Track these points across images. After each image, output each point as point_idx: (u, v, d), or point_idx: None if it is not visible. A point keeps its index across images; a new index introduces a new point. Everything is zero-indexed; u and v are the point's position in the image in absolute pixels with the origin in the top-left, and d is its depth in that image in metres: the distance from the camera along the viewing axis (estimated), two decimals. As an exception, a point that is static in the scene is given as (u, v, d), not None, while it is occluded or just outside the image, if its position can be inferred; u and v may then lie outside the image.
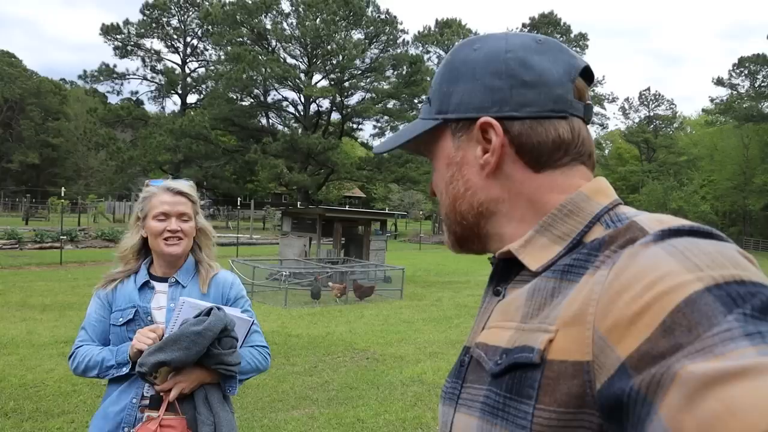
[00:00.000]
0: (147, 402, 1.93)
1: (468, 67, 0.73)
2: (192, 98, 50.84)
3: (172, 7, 48.03)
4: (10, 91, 55.82)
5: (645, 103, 58.98)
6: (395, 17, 43.81)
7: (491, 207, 0.73)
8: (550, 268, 0.65)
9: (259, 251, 21.91)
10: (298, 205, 27.94)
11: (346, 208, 22.11)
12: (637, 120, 59.26)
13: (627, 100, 60.70)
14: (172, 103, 58.06)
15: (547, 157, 0.70)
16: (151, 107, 53.25)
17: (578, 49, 56.59)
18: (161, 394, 1.89)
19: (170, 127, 40.21)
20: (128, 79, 48.75)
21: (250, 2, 41.60)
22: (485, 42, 0.74)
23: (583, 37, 56.20)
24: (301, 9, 41.76)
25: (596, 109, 57.13)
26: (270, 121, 47.10)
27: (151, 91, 50.78)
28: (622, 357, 0.49)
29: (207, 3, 46.61)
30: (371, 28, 43.09)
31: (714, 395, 0.39)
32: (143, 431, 1.84)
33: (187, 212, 2.08)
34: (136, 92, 50.63)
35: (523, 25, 56.57)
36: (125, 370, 1.94)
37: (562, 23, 55.72)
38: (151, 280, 2.10)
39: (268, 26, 42.55)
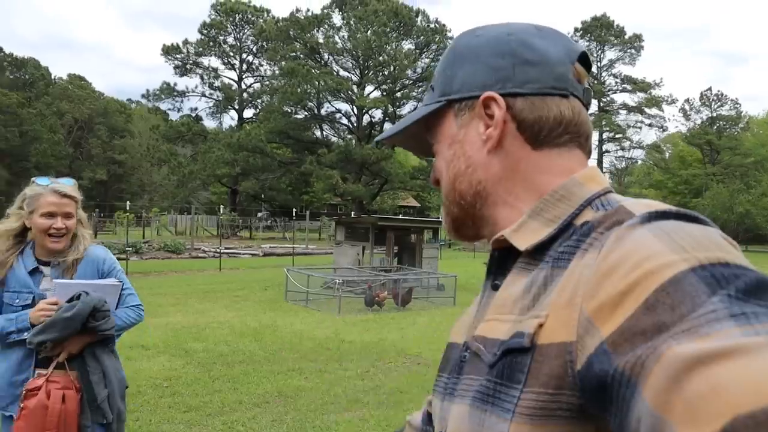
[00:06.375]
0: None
1: (471, 51, 0.75)
2: (248, 113, 52.28)
3: (228, 26, 49.56)
4: (79, 112, 58.74)
5: (707, 103, 56.74)
6: (444, 26, 43.88)
7: (488, 187, 0.74)
8: (543, 253, 0.66)
9: (315, 260, 22.31)
10: (352, 215, 28.29)
11: (399, 217, 22.27)
12: (698, 121, 57.10)
13: (687, 101, 58.34)
14: (230, 119, 60.05)
15: (547, 134, 0.71)
16: (209, 123, 54.88)
17: (633, 51, 55.34)
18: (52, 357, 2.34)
19: (228, 141, 41.36)
20: (188, 96, 50.44)
21: (302, 18, 42.50)
22: (487, 29, 0.77)
23: (638, 38, 54.91)
24: (352, 22, 42.37)
25: (654, 111, 55.53)
26: (324, 133, 47.87)
27: (210, 108, 52.37)
28: (604, 335, 0.49)
29: (261, 20, 47.96)
30: (421, 38, 43.31)
31: (699, 375, 0.39)
32: (32, 385, 2.29)
33: (71, 211, 2.44)
34: (195, 109, 52.67)
35: (575, 30, 55.71)
36: (26, 335, 2.31)
37: (615, 25, 54.61)
38: (39, 266, 2.45)
39: (321, 40, 43.30)
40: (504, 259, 0.73)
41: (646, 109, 55.87)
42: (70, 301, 2.33)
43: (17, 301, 2.39)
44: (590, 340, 0.51)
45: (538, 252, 0.67)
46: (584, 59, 0.75)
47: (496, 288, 0.72)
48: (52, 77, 62.81)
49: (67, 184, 2.47)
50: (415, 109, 0.84)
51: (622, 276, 0.51)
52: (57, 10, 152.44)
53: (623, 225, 0.57)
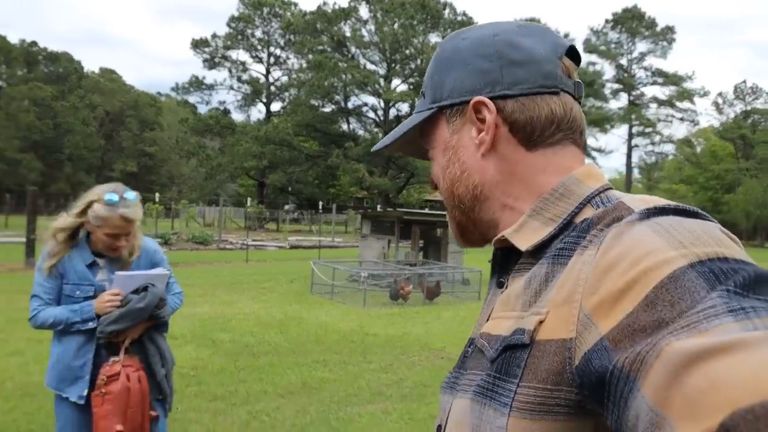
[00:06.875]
0: (104, 351, 2.54)
1: (458, 56, 0.75)
2: (276, 106, 52.59)
3: (256, 19, 49.88)
4: (111, 105, 59.79)
5: (741, 97, 55.45)
6: (472, 18, 43.62)
7: (486, 190, 0.74)
8: (543, 251, 0.66)
9: (341, 254, 22.41)
10: (378, 209, 28.32)
11: (425, 211, 22.22)
12: (732, 115, 55.87)
13: (720, 94, 57.50)
14: (257, 112, 60.60)
15: (540, 133, 0.71)
16: (237, 116, 55.54)
17: (665, 43, 54.34)
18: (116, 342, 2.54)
19: (255, 134, 41.67)
20: (216, 89, 51.05)
21: (329, 11, 42.63)
22: (472, 31, 0.77)
23: (670, 30, 53.87)
24: (379, 15, 42.31)
25: (685, 105, 54.49)
26: (351, 126, 47.91)
27: (238, 101, 52.88)
28: (603, 332, 0.49)
29: (288, 13, 48.16)
30: (449, 30, 42.98)
31: (698, 371, 0.39)
32: (111, 371, 2.48)
33: (133, 230, 2.57)
34: (224, 102, 53.24)
35: (606, 21, 54.90)
36: (92, 324, 2.48)
37: (646, 17, 53.66)
38: (96, 259, 2.59)
39: (348, 33, 43.37)
40: (506, 258, 0.73)
41: (678, 103, 54.91)
42: (135, 291, 2.54)
43: (78, 293, 2.52)
44: (589, 337, 0.51)
45: (539, 251, 0.67)
46: (572, 53, 0.74)
47: (500, 285, 0.73)
48: (85, 71, 63.99)
49: (133, 202, 2.55)
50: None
51: (621, 273, 0.51)
52: (89, 7, 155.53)
53: (622, 221, 0.57)
